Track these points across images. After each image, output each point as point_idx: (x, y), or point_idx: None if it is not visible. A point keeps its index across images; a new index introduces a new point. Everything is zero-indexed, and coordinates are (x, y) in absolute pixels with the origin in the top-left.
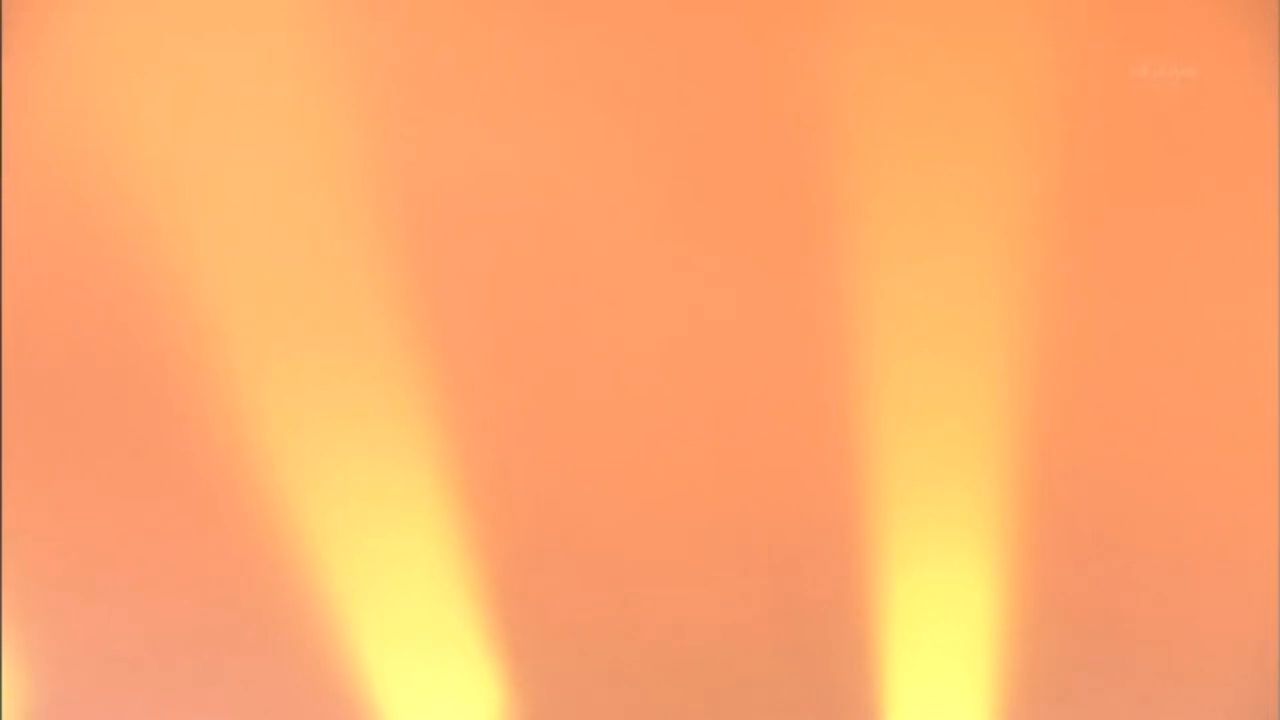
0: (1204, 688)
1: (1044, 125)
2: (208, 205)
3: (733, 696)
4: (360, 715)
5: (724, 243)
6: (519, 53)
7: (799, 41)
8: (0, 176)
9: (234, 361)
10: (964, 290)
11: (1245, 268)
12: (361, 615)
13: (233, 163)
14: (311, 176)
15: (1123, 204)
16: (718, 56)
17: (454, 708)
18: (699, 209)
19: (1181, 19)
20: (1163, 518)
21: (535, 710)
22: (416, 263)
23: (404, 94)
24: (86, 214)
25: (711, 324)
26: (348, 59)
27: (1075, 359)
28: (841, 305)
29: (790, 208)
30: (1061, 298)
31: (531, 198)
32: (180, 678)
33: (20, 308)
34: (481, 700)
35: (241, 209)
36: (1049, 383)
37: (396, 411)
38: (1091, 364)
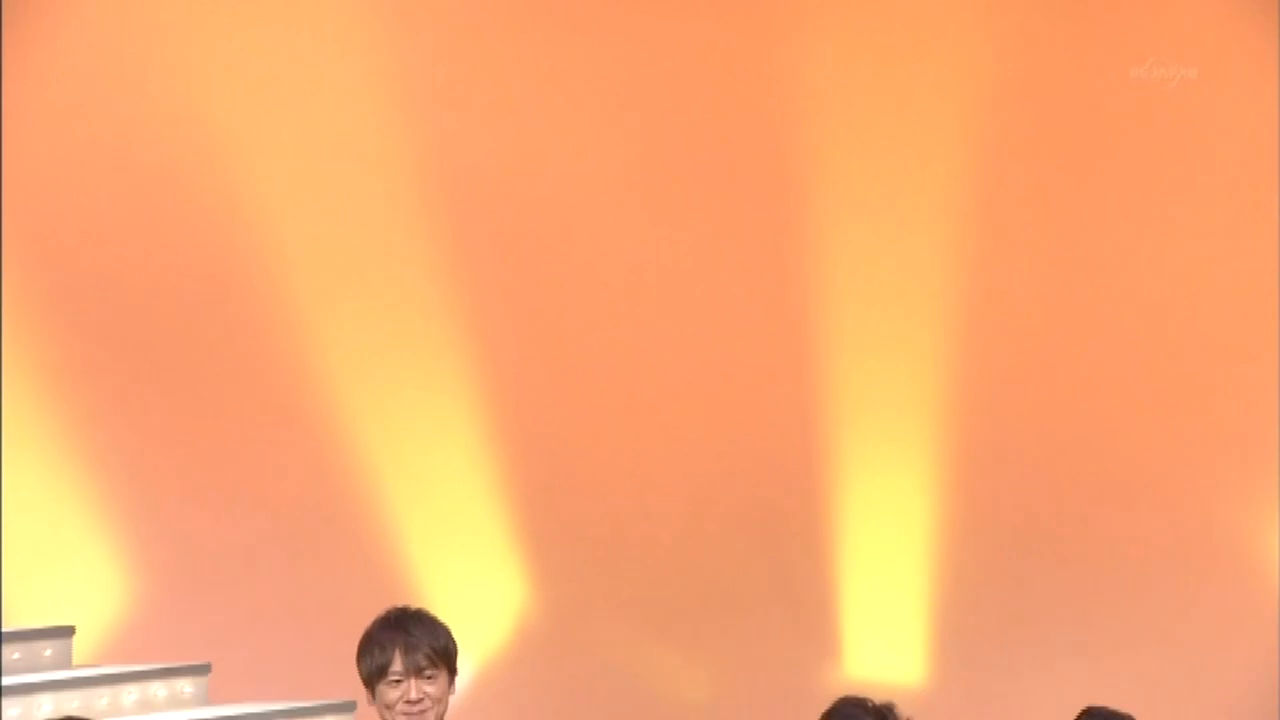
0: (1115, 580)
1: (1043, 123)
2: (279, 180)
3: (712, 586)
4: (403, 598)
5: (706, 216)
6: (535, 58)
7: (775, 46)
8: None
9: (301, 311)
10: (910, 256)
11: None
12: (409, 522)
13: (302, 148)
14: (362, 155)
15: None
16: (699, 61)
17: (485, 599)
18: (686, 188)
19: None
20: (1084, 445)
21: (554, 601)
22: (451, 225)
23: (441, 91)
24: (180, 188)
25: (697, 281)
26: (391, 62)
27: (1012, 315)
28: (807, 268)
29: (764, 186)
30: (1013, 267)
31: (545, 174)
32: (261, 568)
33: (132, 270)
34: (508, 593)
35: (306, 183)
36: (986, 331)
37: (437, 350)
38: (1024, 322)
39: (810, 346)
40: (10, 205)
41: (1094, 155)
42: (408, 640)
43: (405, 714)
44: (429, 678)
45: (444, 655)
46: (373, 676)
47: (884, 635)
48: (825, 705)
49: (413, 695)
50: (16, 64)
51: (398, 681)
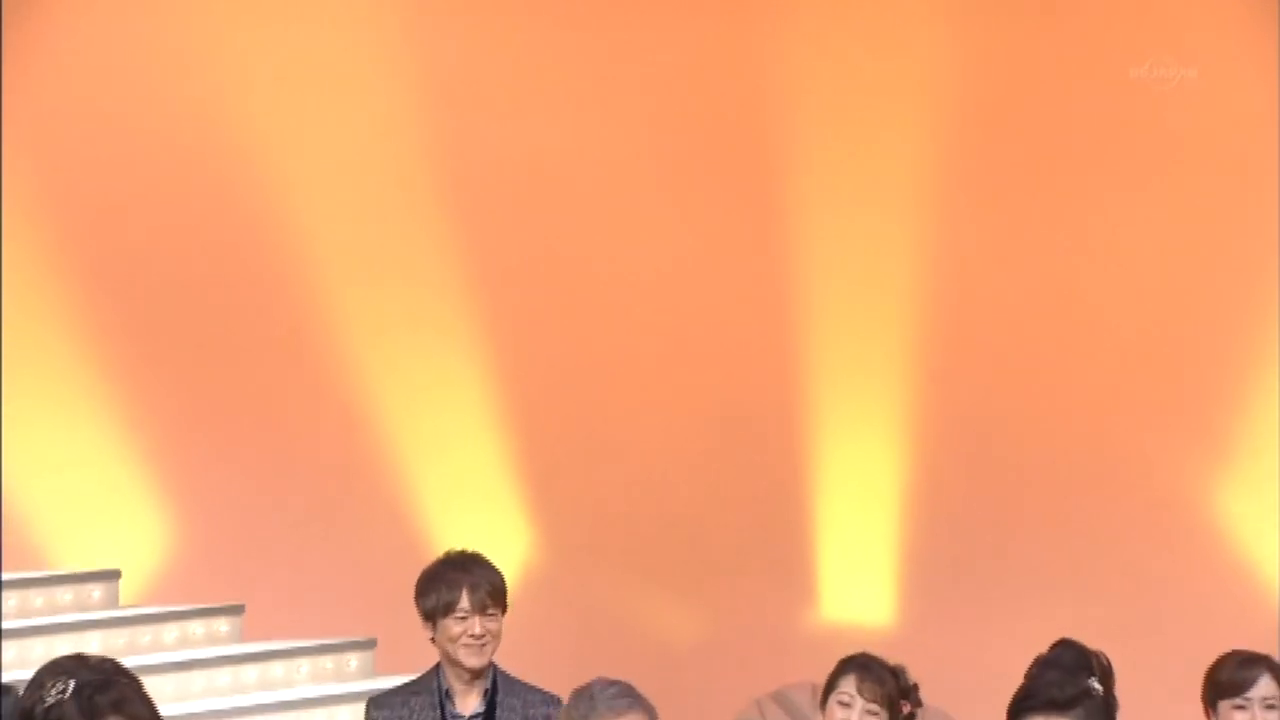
0: (1077, 529)
1: (1018, 115)
2: (309, 171)
3: (698, 537)
4: (419, 546)
5: (696, 199)
6: (540, 57)
7: (759, 47)
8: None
9: (328, 288)
10: (883, 234)
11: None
12: (424, 478)
13: (329, 143)
14: (383, 146)
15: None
16: (690, 63)
17: (492, 548)
18: (678, 174)
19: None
20: (1046, 403)
21: (553, 550)
22: (462, 210)
23: (455, 88)
24: (220, 179)
25: (687, 257)
26: (411, 60)
27: (978, 282)
28: (788, 245)
29: (749, 171)
30: (979, 245)
31: (547, 162)
32: (291, 519)
33: (175, 251)
34: (512, 543)
35: (333, 174)
36: (953, 299)
37: (450, 324)
38: (990, 289)
39: (790, 316)
40: (64, 187)
41: (1076, 145)
42: (473, 580)
43: (467, 647)
44: (491, 615)
45: (503, 595)
46: (437, 612)
47: (858, 581)
48: (803, 646)
49: (477, 630)
50: (62, 49)
51: (463, 618)
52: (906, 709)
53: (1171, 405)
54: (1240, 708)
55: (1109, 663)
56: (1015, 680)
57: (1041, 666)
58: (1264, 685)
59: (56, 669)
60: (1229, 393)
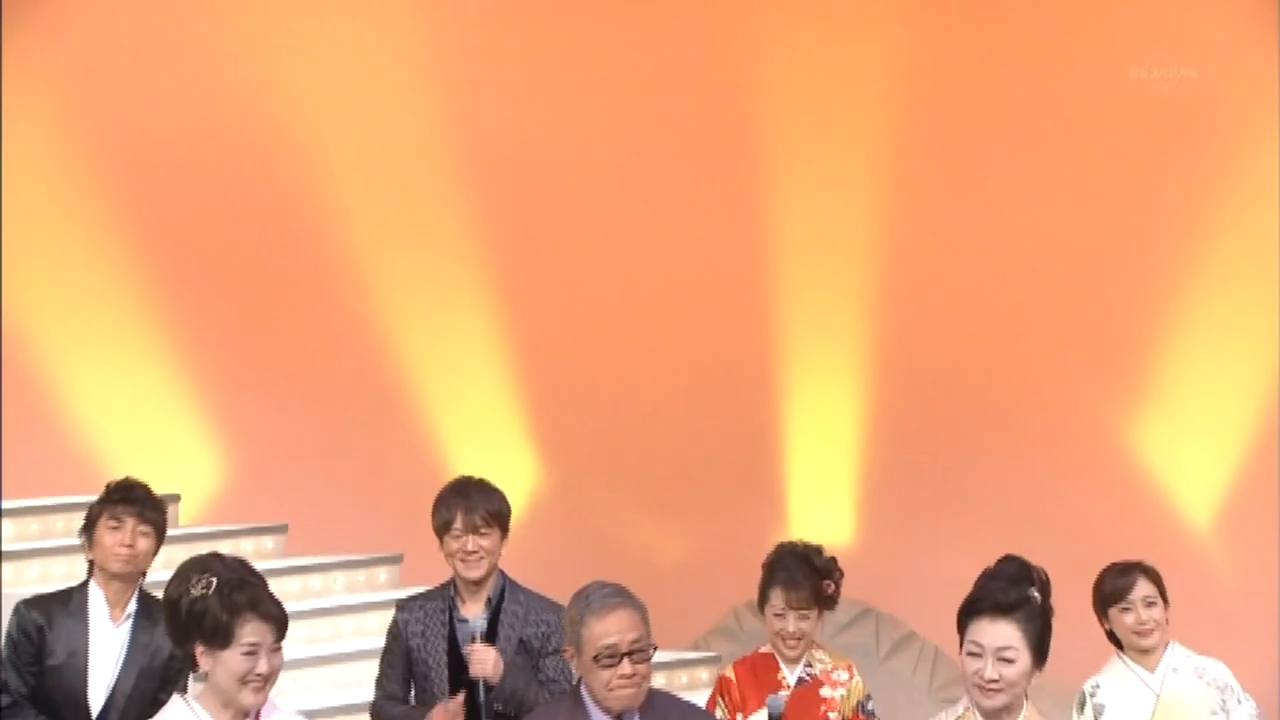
0: (1016, 460)
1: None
2: (344, 146)
3: (684, 466)
4: (440, 474)
5: (683, 172)
6: (546, 50)
7: (737, 40)
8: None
9: (359, 248)
10: (846, 202)
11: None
12: (445, 414)
13: (362, 122)
14: (409, 126)
15: (1049, 179)
16: (678, 53)
17: (503, 475)
18: (667, 148)
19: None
20: (986, 347)
21: (557, 477)
22: (477, 181)
23: (473, 76)
24: (266, 153)
25: (675, 223)
26: (435, 50)
27: (922, 261)
28: (762, 215)
29: (728, 147)
30: (927, 209)
31: (552, 139)
32: (328, 449)
33: (226, 216)
34: (521, 470)
35: (365, 149)
36: (902, 270)
37: (466, 279)
38: (930, 266)
39: (764, 277)
40: (130, 162)
41: (1014, 129)
42: (467, 504)
43: (463, 561)
44: (484, 534)
45: (497, 517)
46: (440, 530)
47: (822, 505)
48: None
49: (470, 547)
50: (128, 39)
51: (459, 536)
52: (830, 587)
53: (1095, 352)
54: (1126, 610)
55: (1047, 577)
56: (959, 590)
57: (988, 577)
58: (1141, 587)
59: (200, 566)
60: (1145, 342)
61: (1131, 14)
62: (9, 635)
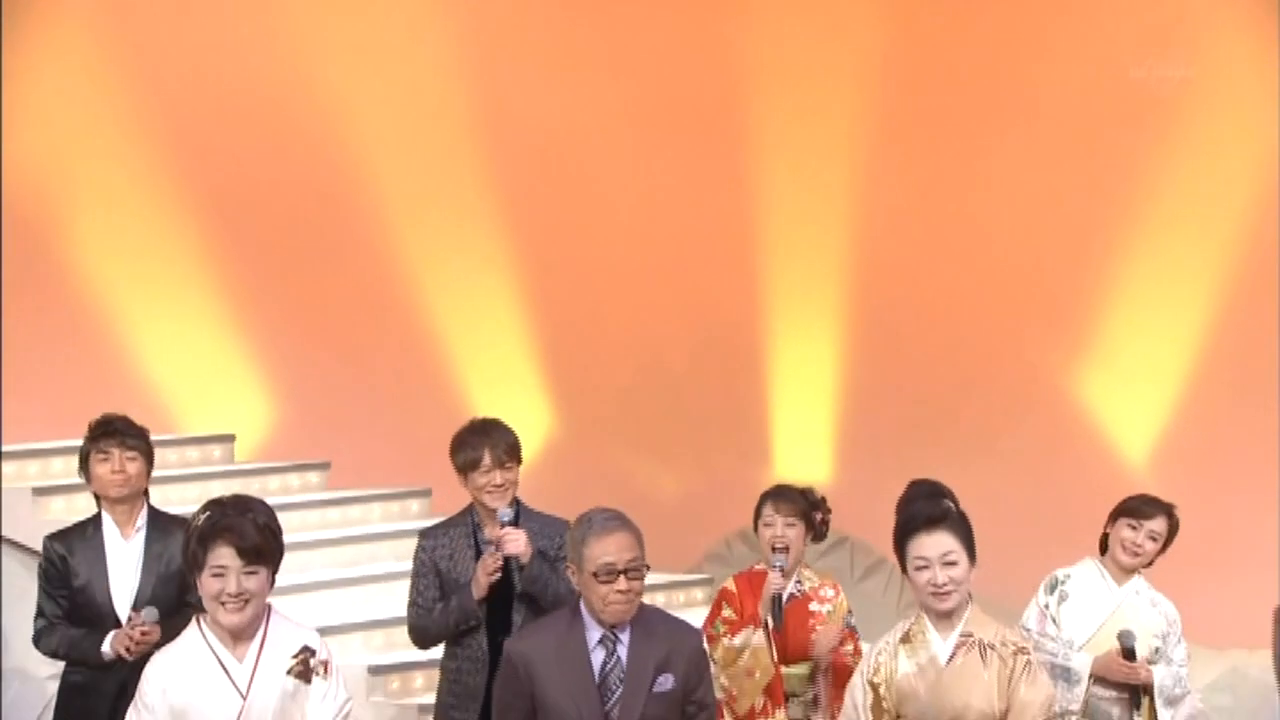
0: (977, 407)
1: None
2: (376, 121)
3: (681, 413)
4: (465, 418)
5: (680, 147)
6: (559, 37)
7: (729, 27)
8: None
9: (391, 216)
10: (826, 177)
11: (1176, 229)
12: (470, 367)
13: (392, 100)
14: (435, 104)
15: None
16: (676, 41)
17: (521, 422)
18: (667, 127)
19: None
20: (944, 319)
21: (569, 424)
22: (498, 154)
23: (494, 60)
24: (307, 132)
25: (674, 194)
26: (456, 33)
27: (893, 230)
28: (751, 187)
29: (722, 129)
30: (900, 186)
31: (567, 118)
32: (366, 397)
33: (275, 186)
34: (537, 418)
35: (394, 125)
36: (875, 237)
37: (488, 245)
38: (901, 235)
39: (753, 242)
40: (190, 139)
41: (977, 109)
42: (491, 441)
43: (491, 493)
44: (508, 467)
45: (515, 451)
46: (466, 466)
47: (804, 447)
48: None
49: (498, 480)
50: (188, 32)
51: (487, 471)
52: (819, 517)
53: (1044, 314)
54: (1132, 527)
55: (949, 489)
56: None
57: (908, 501)
58: (1157, 522)
59: (204, 507)
60: (1087, 304)
61: (1084, 6)
62: (39, 568)
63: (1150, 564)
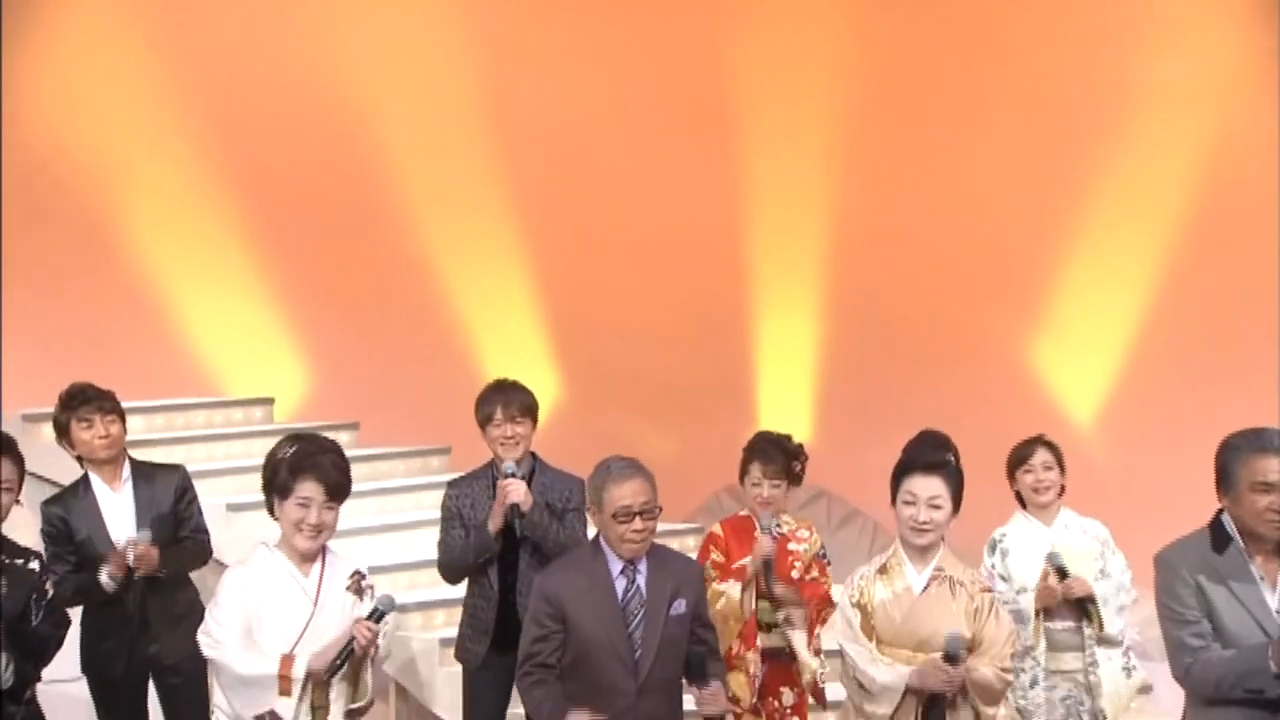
0: (943, 372)
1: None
2: (399, 116)
3: (675, 378)
4: (482, 383)
5: (675, 139)
6: (566, 37)
7: (723, 28)
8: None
9: (411, 202)
10: (809, 168)
11: (1122, 210)
12: (484, 337)
13: (413, 96)
14: (454, 99)
15: (980, 147)
16: (671, 41)
17: (531, 387)
18: (662, 120)
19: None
20: (914, 294)
21: (573, 389)
22: (511, 147)
23: (506, 58)
24: (334, 124)
25: (668, 182)
26: (471, 35)
27: (869, 213)
28: (738, 173)
29: (711, 120)
30: (878, 178)
31: (572, 113)
32: (393, 363)
33: (305, 175)
34: (546, 383)
35: (415, 119)
36: (852, 220)
37: (502, 229)
38: (876, 218)
39: (739, 225)
40: (233, 132)
41: (943, 102)
42: (505, 399)
43: (503, 445)
44: (520, 423)
45: (528, 409)
46: (484, 421)
47: (787, 411)
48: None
49: (509, 433)
50: (230, 30)
51: (499, 425)
52: (798, 467)
53: (1002, 289)
54: (1028, 471)
55: (957, 447)
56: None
57: (916, 444)
58: (1040, 454)
59: (291, 439)
60: (1039, 281)
61: (1039, 11)
62: (41, 532)
63: (1063, 491)
